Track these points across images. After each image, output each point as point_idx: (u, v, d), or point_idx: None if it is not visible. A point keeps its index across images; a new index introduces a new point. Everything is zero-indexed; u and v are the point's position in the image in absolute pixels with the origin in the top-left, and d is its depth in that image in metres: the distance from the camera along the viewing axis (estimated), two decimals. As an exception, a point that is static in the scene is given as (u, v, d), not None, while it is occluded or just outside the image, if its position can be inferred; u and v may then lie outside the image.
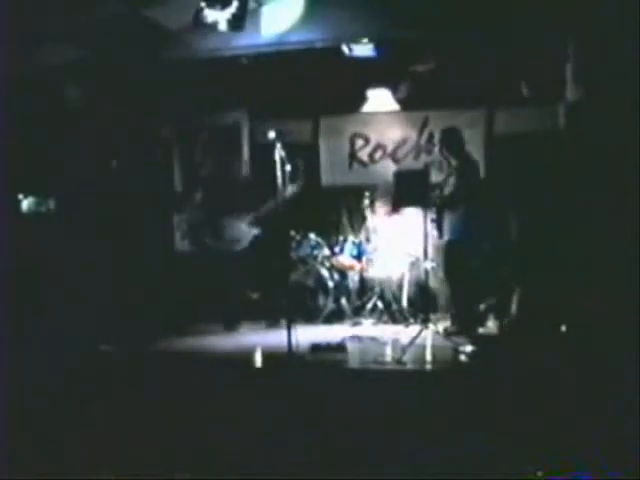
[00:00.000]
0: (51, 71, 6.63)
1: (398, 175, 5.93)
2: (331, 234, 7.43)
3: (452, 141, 6.24)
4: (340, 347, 5.36)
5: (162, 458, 3.31)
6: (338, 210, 7.88)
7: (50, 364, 4.83)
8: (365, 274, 7.19)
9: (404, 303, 6.86)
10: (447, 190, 6.20)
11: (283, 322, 6.10)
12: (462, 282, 6.02)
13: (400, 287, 6.93)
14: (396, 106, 7.79)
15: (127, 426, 3.76)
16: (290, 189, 6.50)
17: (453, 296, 6.21)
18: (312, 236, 7.21)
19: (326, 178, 8.05)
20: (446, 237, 6.16)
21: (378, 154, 8.01)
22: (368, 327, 6.61)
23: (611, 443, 3.17)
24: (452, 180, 6.21)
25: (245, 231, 6.70)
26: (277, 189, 5.31)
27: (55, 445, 3.52)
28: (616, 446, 3.15)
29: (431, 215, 6.14)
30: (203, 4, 5.90)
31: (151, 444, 3.50)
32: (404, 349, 5.10)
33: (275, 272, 6.49)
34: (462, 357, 5.03)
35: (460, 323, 5.92)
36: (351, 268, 7.20)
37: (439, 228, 6.21)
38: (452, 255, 6.13)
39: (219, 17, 5.92)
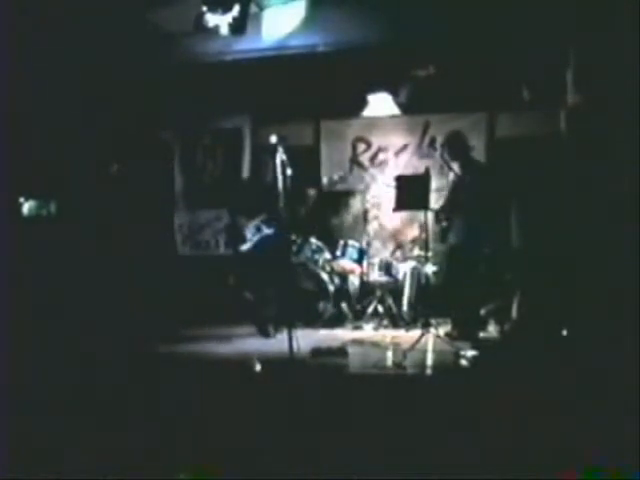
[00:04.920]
0: (53, 73, 6.64)
1: (399, 179, 5.94)
2: (332, 238, 7.43)
3: (456, 145, 6.22)
4: (341, 351, 5.35)
5: (162, 460, 3.31)
6: (339, 214, 7.89)
7: (50, 366, 4.83)
8: (366, 278, 7.18)
9: (405, 307, 6.86)
10: (449, 194, 6.21)
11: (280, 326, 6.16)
12: (464, 286, 6.01)
13: (401, 291, 6.92)
14: (397, 110, 7.80)
15: (127, 428, 3.76)
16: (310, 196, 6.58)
17: (454, 300, 6.20)
18: (313, 240, 7.20)
19: (327, 182, 8.06)
20: (448, 241, 6.16)
21: (379, 158, 8.02)
22: (369, 331, 6.61)
23: (612, 445, 3.17)
24: (454, 184, 6.22)
25: (246, 234, 6.66)
26: (279, 192, 5.30)
27: (54, 446, 3.51)
28: (617, 448, 3.14)
29: (439, 219, 6.15)
30: (205, 8, 5.92)
31: (151, 446, 3.50)
32: (405, 353, 5.09)
33: (276, 276, 6.46)
34: (463, 361, 5.02)
35: (461, 327, 5.91)
36: (352, 272, 7.20)
37: (442, 232, 6.21)
38: (454, 259, 6.13)
39: (220, 21, 5.95)
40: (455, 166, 6.17)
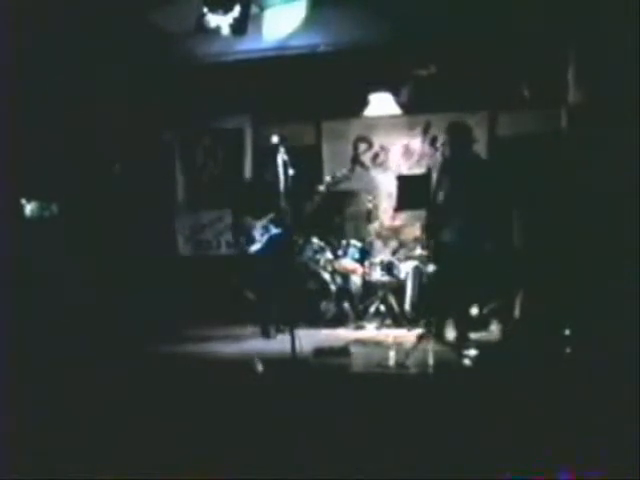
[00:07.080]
0: (54, 74, 6.65)
1: (400, 179, 5.93)
2: (334, 238, 7.42)
3: (457, 135, 6.09)
4: (343, 351, 5.34)
5: (163, 460, 3.31)
6: (341, 214, 7.88)
7: (50, 366, 4.83)
8: (368, 278, 7.17)
9: (407, 307, 6.85)
10: (449, 192, 6.17)
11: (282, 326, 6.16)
12: (464, 285, 5.99)
13: (403, 291, 6.92)
14: (398, 110, 7.79)
15: (128, 428, 3.76)
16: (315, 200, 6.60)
17: (455, 300, 6.17)
18: (315, 240, 7.20)
19: (331, 179, 8.05)
20: (448, 240, 6.13)
21: (381, 158, 8.02)
22: (371, 331, 6.60)
23: (613, 446, 3.16)
24: (453, 182, 6.17)
25: (255, 235, 6.60)
26: (281, 193, 5.30)
27: (54, 446, 3.52)
28: (618, 449, 3.14)
29: (437, 218, 6.10)
30: (206, 9, 5.92)
31: (152, 446, 3.50)
32: (407, 353, 5.09)
33: (281, 276, 6.45)
34: (465, 361, 5.02)
35: (463, 327, 5.89)
36: (354, 272, 7.19)
37: (431, 228, 6.16)
38: (454, 258, 6.10)
39: (222, 22, 5.95)
40: (453, 158, 6.05)
